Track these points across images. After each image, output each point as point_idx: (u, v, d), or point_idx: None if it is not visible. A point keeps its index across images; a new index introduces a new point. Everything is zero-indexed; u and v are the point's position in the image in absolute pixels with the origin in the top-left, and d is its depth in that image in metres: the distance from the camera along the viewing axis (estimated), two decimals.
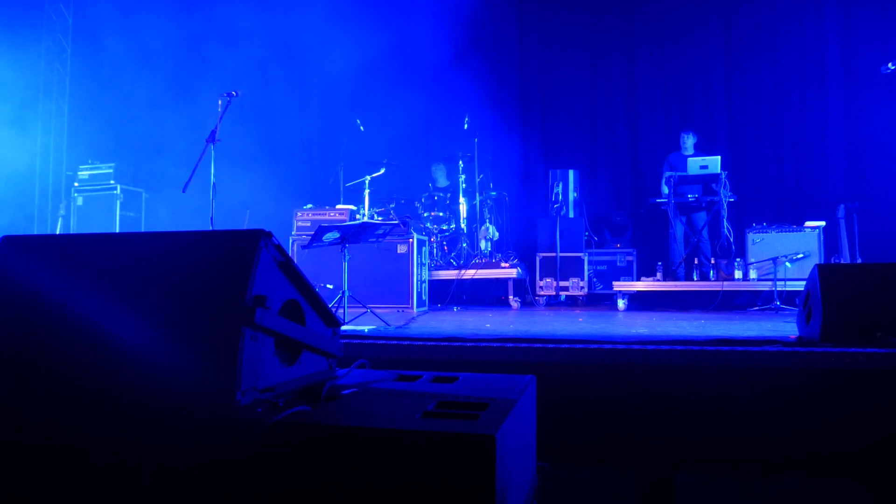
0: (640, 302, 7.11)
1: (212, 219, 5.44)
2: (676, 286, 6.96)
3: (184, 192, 5.30)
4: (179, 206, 7.99)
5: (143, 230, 8.40)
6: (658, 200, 7.56)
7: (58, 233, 8.43)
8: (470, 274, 7.29)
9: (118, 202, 8.27)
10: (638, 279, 7.41)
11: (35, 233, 8.39)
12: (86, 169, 8.51)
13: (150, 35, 9.79)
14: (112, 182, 8.31)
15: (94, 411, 1.68)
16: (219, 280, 1.69)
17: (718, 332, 3.99)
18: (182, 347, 1.66)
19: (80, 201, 8.41)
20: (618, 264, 8.12)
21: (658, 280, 7.01)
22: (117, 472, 1.62)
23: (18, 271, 1.92)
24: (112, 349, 1.72)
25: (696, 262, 7.20)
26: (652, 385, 2.93)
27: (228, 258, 1.71)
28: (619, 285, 7.00)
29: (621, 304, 6.82)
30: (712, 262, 7.25)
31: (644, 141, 9.08)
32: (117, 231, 8.02)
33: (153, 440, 1.61)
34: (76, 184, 8.47)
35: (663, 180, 7.52)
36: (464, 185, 8.02)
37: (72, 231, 8.26)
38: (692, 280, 7.08)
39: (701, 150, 7.90)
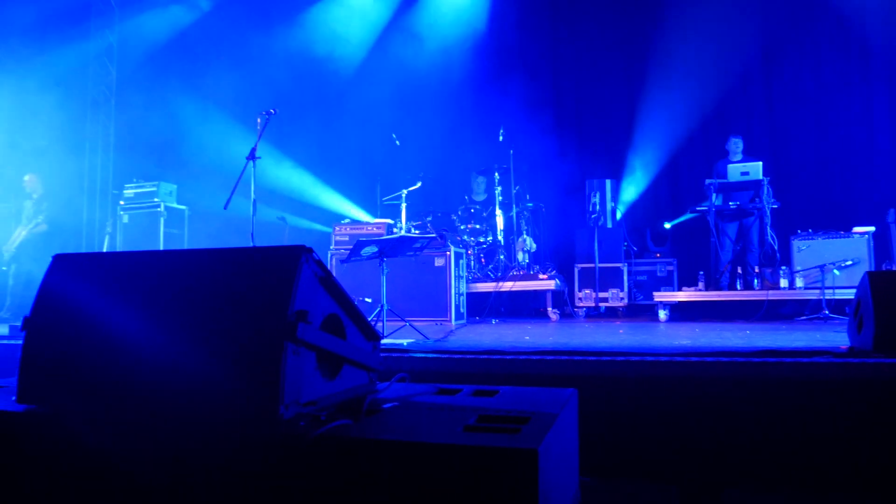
0: (681, 312, 6.99)
1: (252, 234, 5.52)
2: (719, 296, 6.82)
3: (225, 208, 5.40)
4: (221, 223, 8.15)
5: (185, 247, 8.58)
6: (698, 208, 7.44)
7: (105, 250, 8.66)
8: (508, 286, 7.26)
9: (162, 219, 8.46)
10: (679, 289, 7.29)
11: (83, 251, 8.62)
12: (131, 188, 8.74)
13: (191, 55, 10.05)
14: (156, 200, 8.51)
15: (141, 425, 1.72)
16: (261, 295, 1.71)
17: (765, 343, 3.90)
18: (226, 362, 1.69)
19: (125, 219, 8.62)
20: (658, 274, 8.01)
21: (700, 290, 6.88)
22: (163, 485, 1.65)
23: (70, 288, 1.97)
24: (158, 363, 1.76)
25: (739, 270, 7.05)
26: (696, 398, 2.87)
27: (270, 274, 1.73)
28: (660, 296, 6.89)
29: (662, 314, 6.72)
30: (756, 270, 7.09)
31: (683, 148, 8.95)
32: (161, 248, 8.20)
33: (198, 453, 1.63)
34: (122, 202, 8.69)
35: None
36: (500, 198, 8.01)
37: (118, 248, 8.47)
38: (736, 289, 6.93)
39: (743, 155, 7.76)
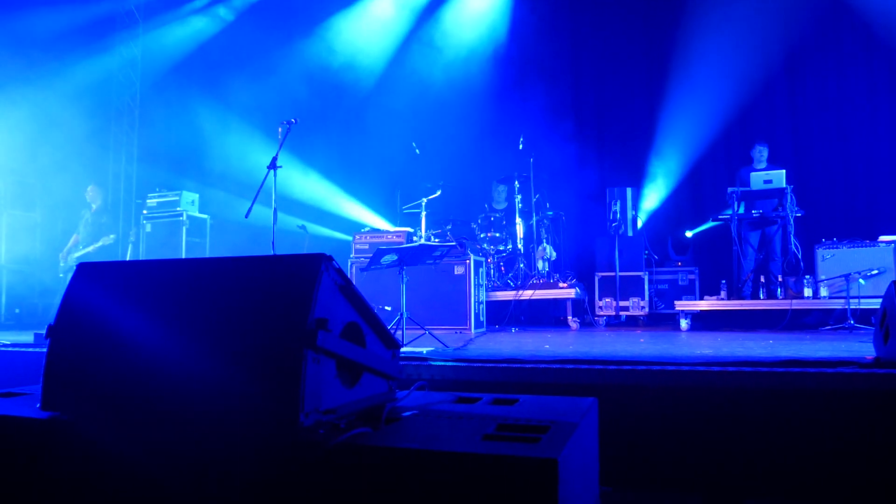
0: (703, 322, 6.92)
1: (273, 243, 5.56)
2: (742, 305, 6.74)
3: (246, 217, 5.44)
4: (242, 232, 8.23)
5: (207, 255, 8.67)
6: (721, 216, 7.37)
7: (128, 259, 8.77)
8: (528, 294, 7.24)
9: (184, 228, 8.55)
10: (701, 298, 7.21)
11: (107, 259, 8.73)
12: (154, 197, 8.85)
13: (214, 65, 10.19)
14: (178, 209, 8.61)
15: (162, 432, 1.73)
16: (281, 303, 1.72)
17: (788, 352, 3.84)
18: (247, 369, 1.70)
19: (148, 228, 8.73)
20: (679, 283, 7.94)
21: (722, 299, 6.81)
22: (184, 492, 1.66)
23: (93, 297, 2.00)
24: (180, 371, 1.77)
25: (762, 279, 6.97)
26: (718, 408, 2.83)
27: (291, 282, 1.75)
28: (682, 305, 6.83)
29: (684, 324, 6.66)
30: (779, 279, 7.00)
31: (705, 155, 8.88)
32: (184, 256, 8.29)
33: (219, 460, 1.64)
34: (145, 211, 8.81)
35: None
36: (520, 206, 8.00)
37: (141, 257, 8.58)
38: (758, 298, 6.85)
39: (767, 163, 7.68)
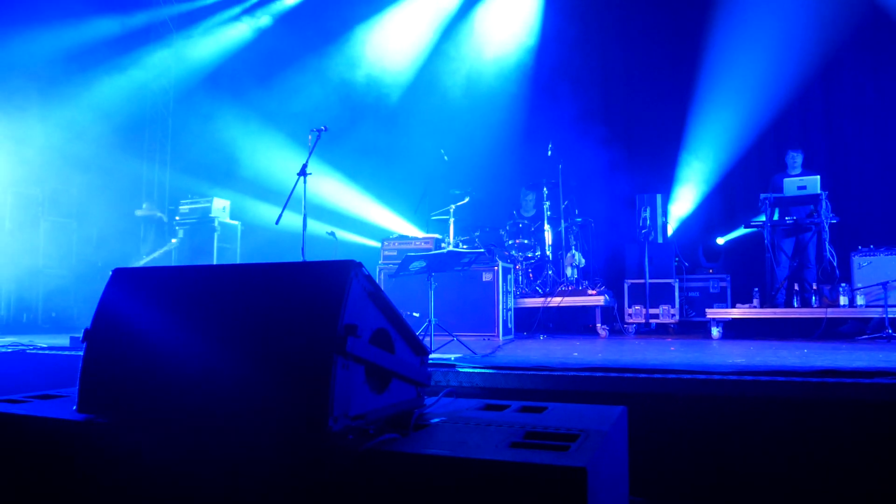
0: (735, 330, 6.81)
1: (303, 249, 5.61)
2: (775, 313, 6.63)
3: (277, 224, 5.50)
4: (272, 238, 8.32)
5: (238, 261, 8.78)
6: (753, 223, 7.26)
7: (160, 264, 8.90)
8: (556, 301, 7.20)
9: (216, 234, 8.67)
10: (733, 306, 7.10)
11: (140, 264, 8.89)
12: (186, 203, 9.00)
13: (245, 73, 10.34)
14: (210, 216, 8.74)
15: (194, 436, 1.75)
16: (312, 309, 1.74)
17: (823, 362, 3.76)
18: (277, 374, 1.71)
19: (180, 234, 8.87)
20: (711, 291, 7.83)
21: (755, 307, 6.70)
22: (216, 495, 1.68)
23: (127, 301, 2.04)
24: (211, 375, 1.80)
25: (796, 287, 6.84)
26: (750, 418, 2.79)
27: (321, 288, 1.76)
28: (713, 312, 6.73)
29: (715, 332, 6.56)
30: (814, 287, 6.86)
31: (737, 161, 8.76)
32: (215, 262, 8.40)
33: (249, 464, 1.66)
34: (177, 217, 8.96)
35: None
36: (549, 212, 7.97)
37: (173, 263, 8.72)
38: (792, 307, 6.72)
39: (802, 168, 7.55)
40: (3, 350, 5.13)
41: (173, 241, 7.94)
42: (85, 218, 9.55)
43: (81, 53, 9.06)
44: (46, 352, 5.01)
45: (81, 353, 2.00)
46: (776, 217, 7.13)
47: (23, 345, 5.49)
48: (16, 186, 8.56)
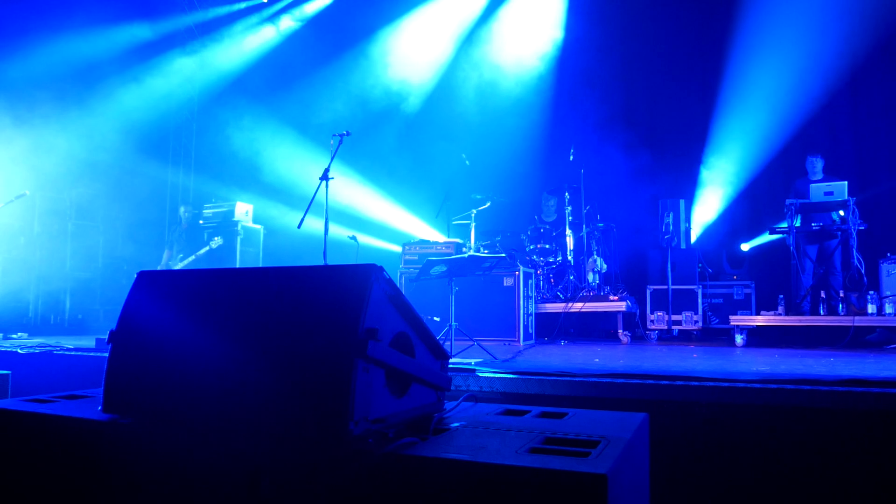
0: (759, 338, 6.73)
1: (324, 253, 5.64)
2: (801, 321, 6.53)
3: (299, 227, 5.54)
4: (294, 242, 8.38)
5: (260, 265, 8.85)
6: (777, 228, 7.17)
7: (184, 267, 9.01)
8: (577, 307, 7.16)
9: (238, 238, 8.76)
10: (757, 313, 7.01)
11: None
12: (210, 207, 9.10)
13: (268, 78, 10.44)
14: (233, 219, 8.83)
15: (216, 437, 1.77)
16: (333, 313, 1.75)
17: (850, 371, 3.70)
18: (298, 377, 1.72)
19: (204, 237, 8.97)
20: (735, 297, 7.75)
21: (780, 314, 6.61)
22: (236, 494, 1.69)
23: (152, 304, 2.06)
24: (234, 377, 1.81)
25: (822, 295, 6.74)
26: (774, 427, 2.75)
27: (342, 292, 1.77)
28: (737, 320, 6.65)
29: (739, 339, 6.48)
30: (841, 294, 6.75)
31: (761, 167, 8.66)
32: (237, 266, 8.47)
33: (270, 464, 1.67)
34: (201, 221, 9.05)
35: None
36: (570, 217, 7.94)
37: (196, 266, 8.81)
38: (818, 314, 6.62)
39: (823, 174, 7.44)
40: (32, 351, 5.22)
41: (218, 238, 8.02)
42: (111, 222, 9.70)
43: (107, 62, 9.22)
44: (73, 353, 5.09)
45: (107, 355, 2.03)
46: (800, 223, 7.03)
47: (50, 346, 5.59)
48: (44, 191, 8.71)
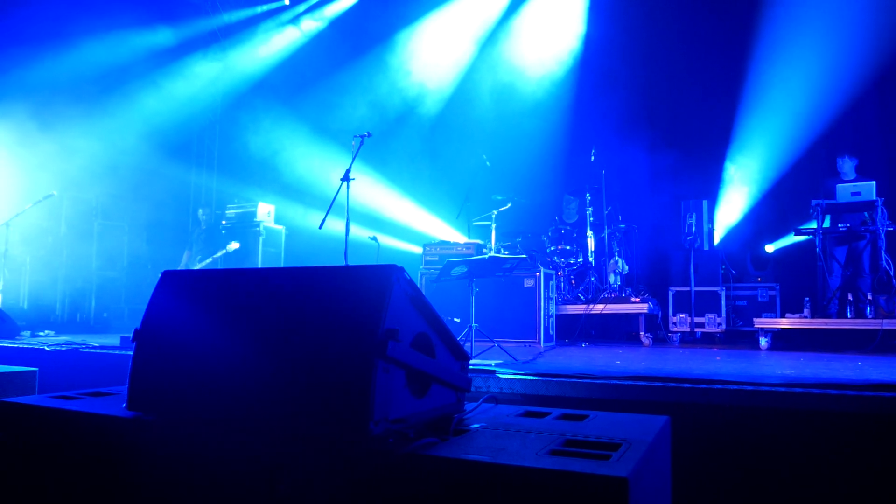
0: (784, 341, 6.63)
1: (345, 254, 5.66)
2: (827, 324, 6.42)
3: (320, 228, 5.56)
4: (315, 242, 8.42)
5: (282, 265, 8.91)
6: (803, 229, 7.06)
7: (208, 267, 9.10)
8: (598, 308, 7.12)
9: (261, 239, 8.83)
10: (782, 316, 6.92)
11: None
12: (232, 208, 9.18)
13: (290, 79, 10.51)
14: (255, 220, 8.90)
15: (238, 435, 1.78)
16: (354, 313, 1.75)
17: (879, 375, 3.64)
18: (319, 376, 1.73)
19: (224, 238, 9.06)
20: (759, 300, 7.64)
21: (805, 317, 6.51)
22: (257, 492, 1.70)
23: (175, 303, 2.09)
24: (256, 375, 1.83)
25: (849, 297, 6.63)
26: (799, 432, 2.71)
27: (363, 292, 1.77)
28: (761, 322, 6.56)
29: (763, 342, 6.40)
30: (869, 297, 6.64)
31: (787, 168, 8.53)
32: (259, 266, 8.54)
33: (291, 463, 1.67)
34: (223, 222, 9.14)
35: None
36: (591, 219, 7.90)
37: (219, 266, 8.90)
38: (845, 317, 6.51)
39: (858, 174, 7.31)
40: (58, 348, 5.30)
41: (233, 244, 8.10)
42: (135, 222, 9.83)
43: (131, 66, 9.34)
44: (98, 351, 5.16)
45: (131, 353, 2.05)
46: (828, 224, 6.91)
47: (76, 343, 5.67)
48: (71, 191, 8.85)
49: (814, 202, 6.93)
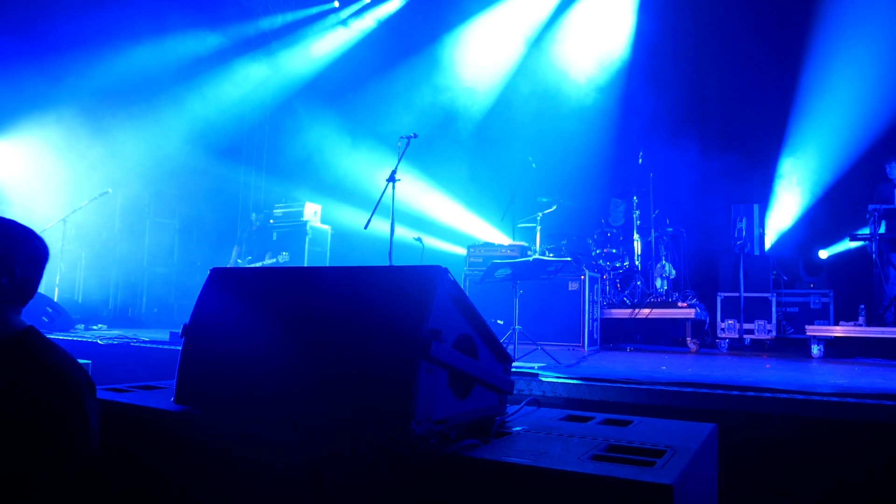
0: (837, 349, 6.43)
1: (390, 254, 5.70)
2: (883, 332, 6.20)
3: (365, 228, 5.60)
4: (360, 242, 8.50)
5: (327, 264, 9.02)
6: (859, 235, 6.83)
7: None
8: (644, 313, 7.01)
9: (307, 238, 8.96)
10: (836, 323, 6.70)
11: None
12: (280, 207, 9.33)
13: (339, 81, 10.64)
14: (302, 219, 9.03)
15: (282, 428, 1.81)
16: (398, 312, 1.76)
17: None
18: (363, 375, 1.74)
19: (274, 237, 9.21)
20: (811, 307, 7.43)
21: (860, 325, 6.29)
22: (300, 488, 1.73)
23: (223, 300, 2.13)
24: (300, 372, 1.85)
25: None
26: (851, 443, 2.62)
27: (407, 292, 1.78)
28: (814, 330, 6.37)
29: (815, 350, 6.21)
30: None
31: (843, 172, 8.27)
32: (305, 264, 8.66)
33: (334, 460, 1.69)
34: (271, 221, 9.30)
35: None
36: (638, 222, 7.78)
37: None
38: None
39: None
40: (111, 342, 5.47)
41: (284, 254, 8.26)
42: (186, 220, 10.07)
43: (185, 66, 9.57)
44: (148, 345, 5.31)
45: (180, 348, 2.10)
46: (884, 230, 6.68)
47: (127, 338, 5.84)
48: (125, 188, 9.11)
49: (870, 207, 6.71)
